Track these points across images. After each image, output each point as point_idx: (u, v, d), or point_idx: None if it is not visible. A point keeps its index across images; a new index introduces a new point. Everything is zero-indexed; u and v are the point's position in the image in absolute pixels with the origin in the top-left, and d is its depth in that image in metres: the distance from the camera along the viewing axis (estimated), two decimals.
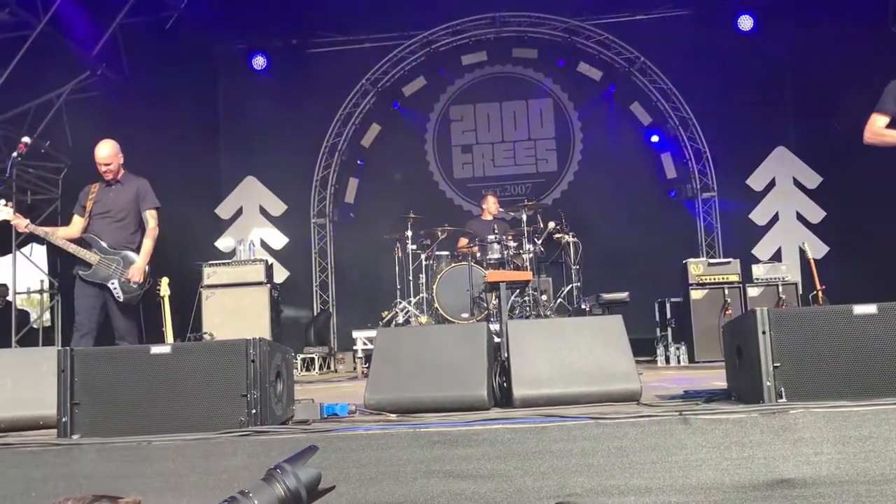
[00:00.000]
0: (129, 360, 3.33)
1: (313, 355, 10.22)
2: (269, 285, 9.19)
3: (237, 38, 12.03)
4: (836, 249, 11.30)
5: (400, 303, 9.20)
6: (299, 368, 9.80)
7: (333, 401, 3.79)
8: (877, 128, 4.72)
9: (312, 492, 1.71)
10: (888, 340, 3.06)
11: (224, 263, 9.35)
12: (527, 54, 12.47)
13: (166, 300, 6.05)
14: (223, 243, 12.02)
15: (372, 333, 8.76)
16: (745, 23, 11.70)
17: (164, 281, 6.05)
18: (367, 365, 8.53)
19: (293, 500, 1.66)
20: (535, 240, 8.94)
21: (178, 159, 10.28)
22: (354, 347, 8.99)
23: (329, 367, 10.66)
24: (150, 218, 5.98)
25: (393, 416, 3.47)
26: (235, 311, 8.90)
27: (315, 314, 11.95)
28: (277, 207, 12.27)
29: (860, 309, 3.10)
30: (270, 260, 10.27)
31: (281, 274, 11.73)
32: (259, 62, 11.99)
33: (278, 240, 12.24)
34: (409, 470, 2.90)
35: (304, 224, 12.38)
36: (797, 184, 11.90)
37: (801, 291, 8.85)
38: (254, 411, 3.20)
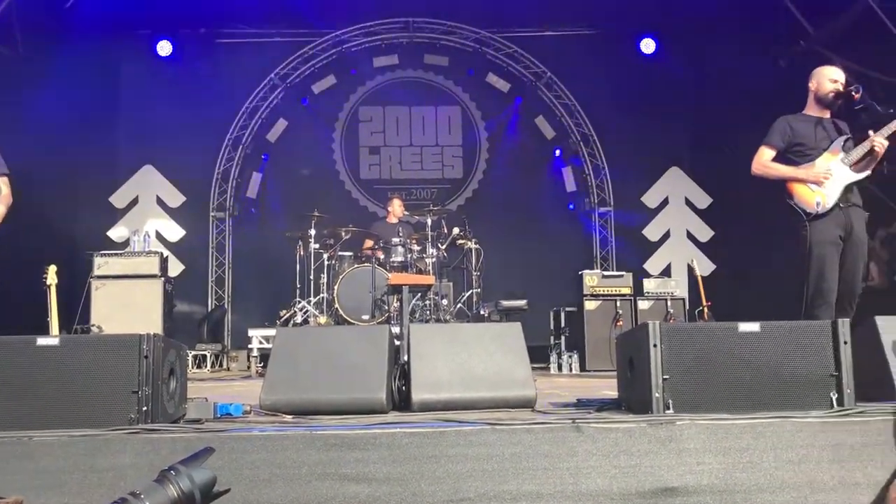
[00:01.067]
0: (11, 350, 3.17)
1: (206, 352, 9.96)
2: (162, 278, 8.90)
3: (142, 22, 11.60)
4: (722, 268, 11.88)
5: (299, 302, 9.09)
6: (190, 366, 9.53)
7: (227, 400, 3.72)
8: (764, 160, 5.00)
9: (207, 494, 1.69)
10: (769, 357, 3.24)
11: (116, 254, 8.99)
12: (438, 61, 12.57)
13: (53, 289, 5.79)
14: (116, 233, 11.56)
15: (269, 332, 8.62)
16: (648, 46, 12.16)
17: (52, 269, 5.79)
18: (261, 364, 8.39)
19: (187, 502, 1.63)
20: (439, 244, 9.02)
21: (73, 143, 9.84)
22: (250, 346, 8.81)
23: (222, 366, 10.41)
24: (3, 185, 5.51)
25: (289, 418, 3.43)
26: (126, 304, 8.57)
27: (209, 310, 11.65)
28: (175, 199, 11.89)
29: (745, 326, 3.28)
30: (166, 252, 9.96)
31: (176, 267, 11.38)
32: (164, 48, 11.60)
33: (175, 232, 11.87)
34: (303, 472, 2.87)
35: (203, 217, 12.05)
36: (689, 203, 12.44)
37: (688, 306, 9.25)
38: (145, 409, 3.11)
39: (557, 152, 12.70)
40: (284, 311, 9.08)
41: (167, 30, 11.64)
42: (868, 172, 4.85)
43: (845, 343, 3.26)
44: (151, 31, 11.64)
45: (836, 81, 4.95)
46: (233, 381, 7.90)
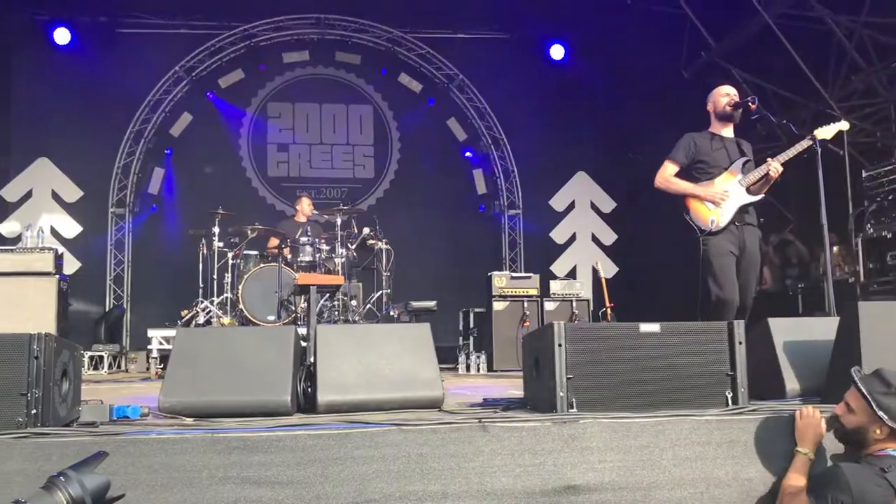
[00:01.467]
0: None
1: (103, 353, 9.55)
2: (57, 276, 8.48)
3: (37, 8, 11.07)
4: (624, 270, 12.21)
5: (202, 302, 8.84)
6: (86, 367, 9.12)
7: (124, 402, 3.57)
8: (667, 175, 5.17)
9: (99, 500, 1.60)
10: (669, 357, 3.34)
11: (7, 250, 8.51)
12: (350, 59, 12.47)
13: None
14: (7, 228, 10.98)
15: (169, 333, 8.35)
16: (557, 52, 12.41)
17: None
18: (162, 366, 8.11)
19: None
20: (349, 244, 8.94)
21: None
22: (149, 347, 8.51)
23: (120, 367, 10.01)
24: None
25: (189, 420, 3.32)
26: (17, 303, 8.12)
27: (107, 310, 11.21)
28: (72, 193, 11.39)
29: (645, 327, 3.36)
30: (61, 249, 9.50)
31: (72, 265, 10.90)
32: (62, 36, 11.08)
33: (71, 228, 11.37)
34: (203, 476, 2.79)
35: (102, 213, 11.60)
36: (594, 207, 12.76)
37: (592, 307, 9.46)
38: (34, 412, 2.94)
39: (468, 154, 12.80)
40: (186, 312, 8.81)
41: (65, 16, 11.13)
42: (762, 196, 5.07)
43: (740, 343, 3.38)
44: (48, 17, 11.12)
45: (728, 94, 5.16)
46: (131, 382, 7.62)
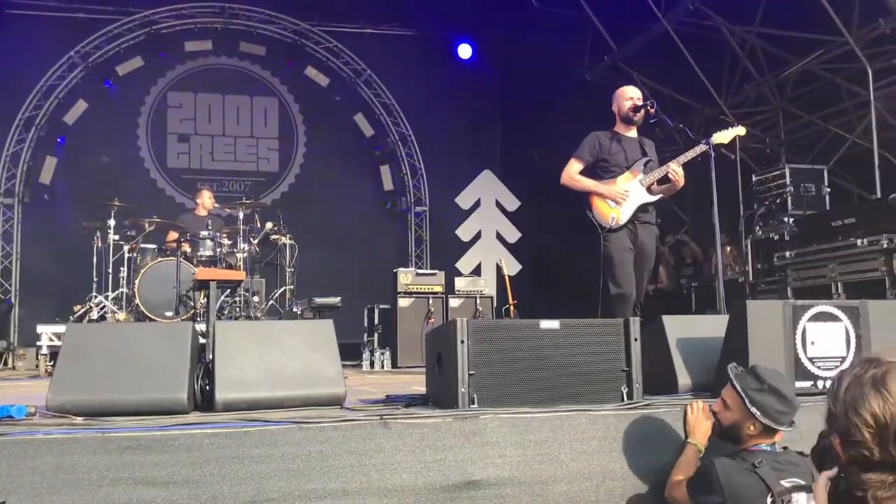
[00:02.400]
0: None
1: None
2: None
3: None
4: (528, 268, 12.44)
5: (96, 297, 8.48)
6: None
7: (9, 401, 3.39)
8: (572, 172, 5.30)
9: None
10: (567, 353, 3.42)
11: None
12: (255, 50, 12.23)
13: None
14: None
15: (60, 329, 7.98)
16: (465, 51, 12.52)
17: None
18: (51, 363, 7.75)
19: None
20: (251, 239, 8.75)
21: None
22: (39, 343, 8.12)
23: (6, 364, 9.53)
24: None
25: (79, 420, 3.18)
26: None
27: None
28: None
29: (545, 324, 3.43)
30: None
31: None
32: None
33: None
34: (93, 477, 2.68)
35: None
36: (499, 205, 12.95)
37: (496, 304, 9.58)
38: None
39: (376, 151, 12.76)
40: (79, 307, 8.44)
41: None
42: (660, 196, 5.25)
43: (635, 340, 3.50)
44: None
45: (631, 98, 5.32)
46: (18, 380, 7.27)
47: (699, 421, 3.09)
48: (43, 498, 2.62)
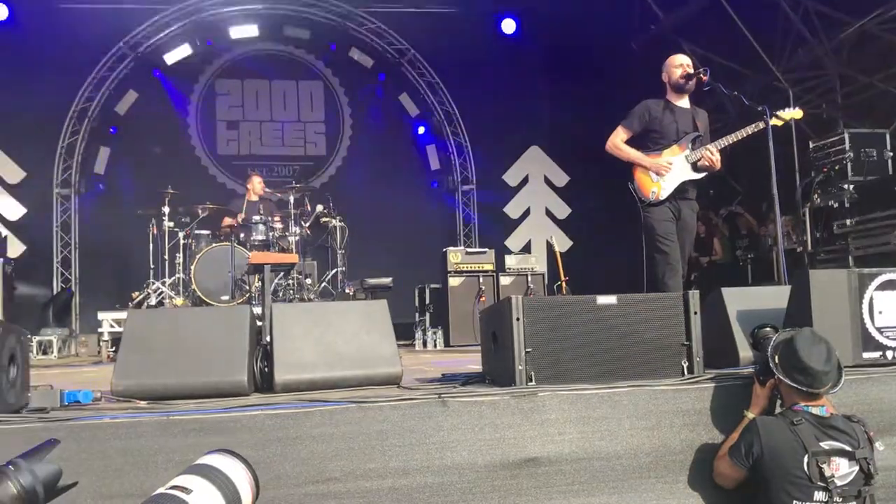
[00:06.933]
0: None
1: (51, 338, 9.34)
2: (0, 259, 8.27)
3: None
4: (578, 244, 12.31)
5: (153, 283, 8.67)
6: (35, 352, 8.91)
7: (75, 387, 3.47)
8: (617, 140, 5.20)
9: (51, 489, 1.54)
10: (625, 328, 3.36)
11: None
12: (299, 34, 12.25)
13: None
14: None
15: (120, 315, 8.18)
16: (508, 26, 12.35)
17: None
18: (113, 349, 7.96)
19: (28, 500, 1.49)
20: (302, 222, 8.83)
21: None
22: (100, 330, 8.35)
23: (70, 351, 9.81)
24: None
25: (143, 403, 3.24)
26: None
27: (55, 293, 10.94)
28: (15, 174, 11.02)
29: (602, 299, 3.38)
30: (4, 232, 9.26)
31: (16, 248, 10.59)
32: (0, 12, 10.66)
33: (14, 210, 11.01)
34: (159, 460, 2.74)
35: (46, 194, 11.26)
36: (547, 181, 12.81)
37: (547, 281, 9.52)
38: None
39: (421, 130, 12.73)
40: (137, 294, 8.63)
41: None
42: (704, 174, 5.12)
43: (695, 313, 3.43)
44: None
45: (682, 65, 5.18)
46: (82, 367, 7.47)
47: (764, 393, 3.05)
48: (112, 480, 2.68)
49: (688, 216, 5.12)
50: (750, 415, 3.03)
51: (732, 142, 5.01)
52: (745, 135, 4.97)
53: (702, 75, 5.08)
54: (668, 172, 5.03)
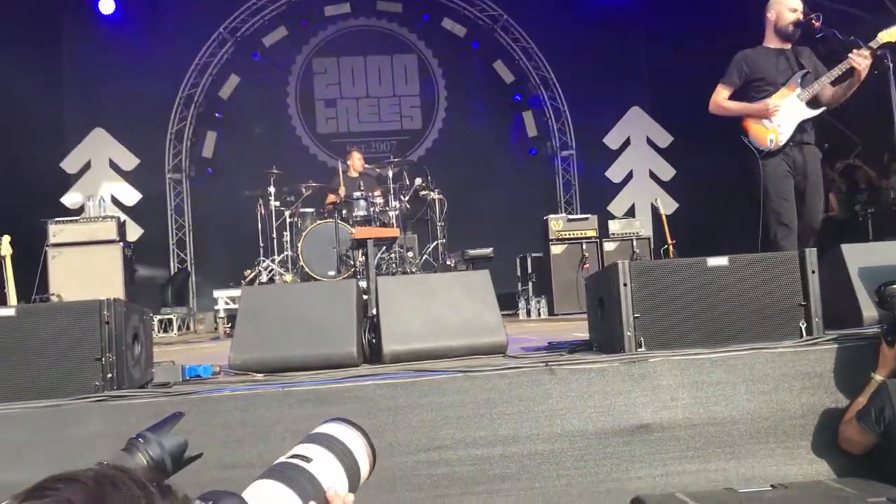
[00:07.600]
0: None
1: (171, 316, 9.83)
2: (121, 243, 8.71)
3: None
4: (685, 206, 11.94)
5: (263, 261, 8.97)
6: (156, 330, 9.39)
7: (195, 362, 3.65)
8: (720, 99, 4.94)
9: (178, 460, 1.61)
10: (738, 290, 3.24)
11: (72, 221, 8.77)
12: (391, 8, 12.30)
13: (7, 260, 5.63)
14: (70, 199, 11.24)
15: (234, 293, 8.51)
16: None
17: (5, 239, 5.62)
18: (229, 325, 8.30)
19: (157, 471, 1.56)
20: (402, 196, 8.92)
21: (17, 108, 9.47)
22: (216, 307, 8.71)
23: (188, 328, 10.29)
24: None
25: (260, 376, 3.37)
26: (86, 272, 8.38)
27: (172, 273, 11.48)
28: (129, 161, 11.58)
29: (713, 261, 3.27)
30: (123, 217, 9.74)
31: (134, 232, 11.14)
32: (107, 6, 11.13)
33: (131, 196, 11.58)
34: (278, 430, 2.84)
35: (159, 179, 11.79)
36: (650, 143, 12.45)
37: (653, 245, 9.30)
38: (109, 375, 3.02)
39: (517, 97, 12.59)
40: (249, 271, 8.95)
41: None
42: (823, 109, 4.80)
43: (813, 272, 3.27)
44: None
45: (795, 11, 4.83)
46: (200, 343, 7.82)
47: (893, 354, 2.88)
48: (234, 451, 2.79)
49: (812, 167, 4.74)
50: (878, 377, 2.86)
51: (844, 70, 4.63)
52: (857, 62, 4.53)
53: (814, 21, 4.75)
54: (779, 113, 4.74)
